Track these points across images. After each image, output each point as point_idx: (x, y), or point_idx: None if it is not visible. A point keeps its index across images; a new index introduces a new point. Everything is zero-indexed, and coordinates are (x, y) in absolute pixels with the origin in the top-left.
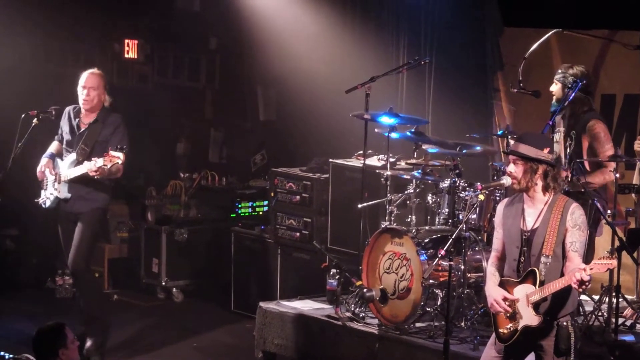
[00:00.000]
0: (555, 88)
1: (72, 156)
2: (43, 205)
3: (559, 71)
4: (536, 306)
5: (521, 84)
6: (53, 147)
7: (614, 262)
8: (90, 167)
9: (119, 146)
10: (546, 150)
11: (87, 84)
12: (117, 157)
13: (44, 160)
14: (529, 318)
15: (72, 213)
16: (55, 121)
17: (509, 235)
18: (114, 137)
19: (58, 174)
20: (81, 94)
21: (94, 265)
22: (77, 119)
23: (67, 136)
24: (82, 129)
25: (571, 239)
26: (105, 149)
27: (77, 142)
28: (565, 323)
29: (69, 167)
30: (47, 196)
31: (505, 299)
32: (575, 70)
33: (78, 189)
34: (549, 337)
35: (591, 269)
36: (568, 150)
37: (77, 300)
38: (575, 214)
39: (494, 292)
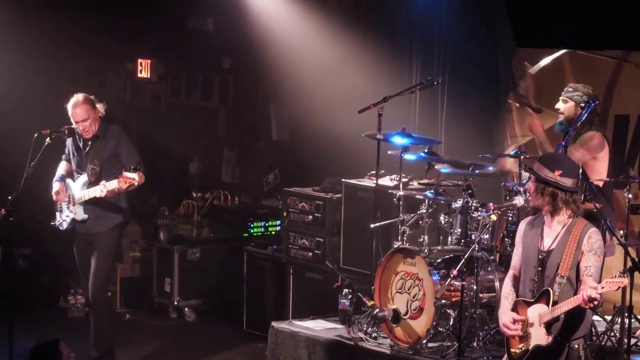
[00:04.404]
0: (565, 106)
1: (84, 177)
2: (60, 228)
3: (570, 89)
4: (548, 326)
5: (524, 100)
6: (62, 168)
7: (625, 280)
8: (98, 192)
9: (132, 167)
10: (557, 173)
11: (77, 118)
12: (133, 178)
13: (55, 185)
14: (540, 337)
15: (89, 234)
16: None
17: (528, 254)
18: (121, 150)
19: (72, 196)
20: (77, 128)
21: None
22: (81, 138)
23: (74, 156)
24: (87, 149)
25: (586, 264)
26: (113, 163)
27: (84, 162)
28: (577, 346)
29: (81, 189)
30: (64, 219)
31: (514, 321)
32: (587, 90)
33: (94, 209)
34: (559, 359)
35: (602, 288)
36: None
37: (89, 320)
38: (592, 239)
39: (503, 316)
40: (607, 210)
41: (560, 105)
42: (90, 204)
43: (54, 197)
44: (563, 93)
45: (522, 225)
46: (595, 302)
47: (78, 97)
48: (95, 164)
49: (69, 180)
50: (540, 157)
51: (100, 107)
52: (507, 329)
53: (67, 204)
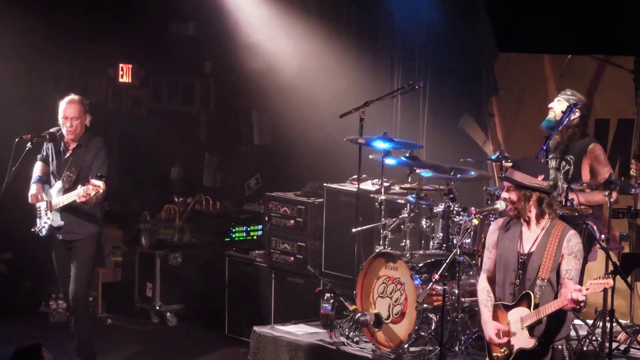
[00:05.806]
0: (558, 105)
1: (59, 184)
2: (40, 234)
3: (568, 92)
4: (531, 329)
5: None
6: (38, 169)
7: (610, 282)
8: (78, 193)
9: (98, 174)
10: (540, 178)
11: (69, 114)
12: (98, 185)
13: (33, 187)
14: (524, 341)
15: (68, 241)
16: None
17: (506, 258)
18: (95, 162)
19: (49, 203)
20: (64, 125)
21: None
22: (63, 143)
23: (53, 161)
24: (68, 155)
25: (567, 267)
26: (89, 173)
27: (62, 168)
28: (560, 347)
29: (57, 195)
30: (42, 225)
31: (498, 332)
32: (582, 98)
33: (71, 216)
34: None
35: (587, 289)
36: (568, 175)
37: (70, 326)
38: (572, 242)
39: (487, 327)
40: (595, 214)
41: (554, 104)
42: (66, 212)
43: (30, 200)
44: (560, 94)
45: (494, 227)
46: (582, 304)
47: (74, 96)
48: (72, 171)
49: (46, 186)
50: (516, 164)
51: (88, 116)
52: (493, 341)
53: (45, 209)
